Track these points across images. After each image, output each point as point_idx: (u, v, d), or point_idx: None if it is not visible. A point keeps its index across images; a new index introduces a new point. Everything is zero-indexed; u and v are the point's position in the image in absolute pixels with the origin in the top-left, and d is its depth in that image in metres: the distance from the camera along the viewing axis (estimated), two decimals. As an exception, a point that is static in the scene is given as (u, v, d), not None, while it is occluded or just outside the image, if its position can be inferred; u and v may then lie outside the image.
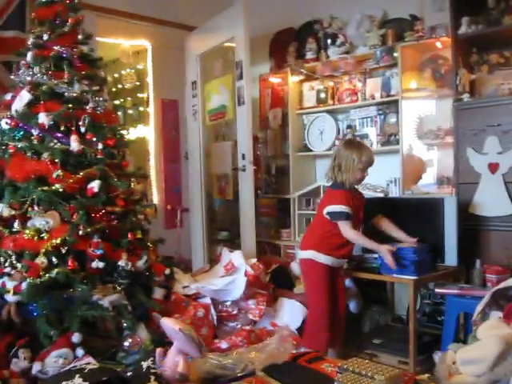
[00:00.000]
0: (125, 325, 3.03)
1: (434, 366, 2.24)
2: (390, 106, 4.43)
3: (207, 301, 3.82)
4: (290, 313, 3.86)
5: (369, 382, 1.79)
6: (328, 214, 3.42)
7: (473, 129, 3.65)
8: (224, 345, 3.45)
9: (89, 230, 3.07)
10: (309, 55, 4.90)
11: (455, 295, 3.37)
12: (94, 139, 3.28)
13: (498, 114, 3.55)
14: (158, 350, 2.24)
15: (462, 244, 3.57)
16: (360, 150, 3.44)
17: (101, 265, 3.05)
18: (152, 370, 2.11)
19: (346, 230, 3.38)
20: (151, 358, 2.19)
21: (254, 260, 4.15)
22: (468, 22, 3.68)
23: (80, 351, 2.81)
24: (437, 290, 3.54)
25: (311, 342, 3.36)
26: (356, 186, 3.59)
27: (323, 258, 3.42)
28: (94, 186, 3.16)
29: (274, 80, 5.23)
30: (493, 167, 3.57)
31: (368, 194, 4.37)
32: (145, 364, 2.15)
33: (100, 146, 3.28)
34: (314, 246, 3.46)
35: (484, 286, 3.34)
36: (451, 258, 3.57)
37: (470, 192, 3.67)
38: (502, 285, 2.37)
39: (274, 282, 4.14)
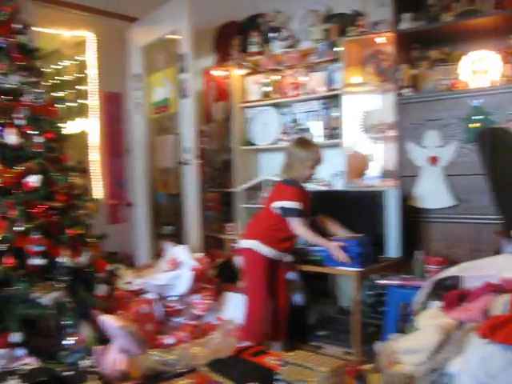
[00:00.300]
0: (66, 323, 2.96)
1: (377, 356, 2.26)
2: (333, 100, 4.46)
3: (151, 296, 3.77)
4: (236, 306, 3.84)
5: (311, 374, 1.79)
6: (280, 209, 3.43)
7: (413, 123, 3.73)
8: (169, 340, 3.42)
9: (28, 226, 2.99)
10: (253, 49, 4.89)
11: (396, 286, 3.44)
12: (33, 132, 3.19)
13: (437, 108, 3.63)
14: (98, 348, 2.19)
15: (404, 236, 3.65)
16: (309, 149, 3.50)
17: (41, 262, 2.97)
18: (92, 369, 2.06)
19: (298, 226, 3.41)
20: (91, 357, 2.14)
21: (199, 254, 4.12)
22: (409, 18, 3.75)
23: (20, 351, 2.74)
24: (379, 282, 3.60)
25: (247, 335, 3.37)
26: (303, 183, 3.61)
27: (265, 250, 3.43)
28: (33, 180, 3.08)
29: (218, 73, 5.20)
30: (432, 160, 3.66)
31: (312, 187, 4.40)
32: (85, 363, 2.10)
33: (39, 139, 3.19)
34: (257, 237, 3.46)
35: (424, 277, 3.41)
36: (393, 249, 3.64)
37: (411, 184, 3.75)
38: (441, 275, 2.42)
39: (220, 276, 4.14)
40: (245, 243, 3.53)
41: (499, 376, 1.34)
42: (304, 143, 3.58)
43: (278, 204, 3.44)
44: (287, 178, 3.52)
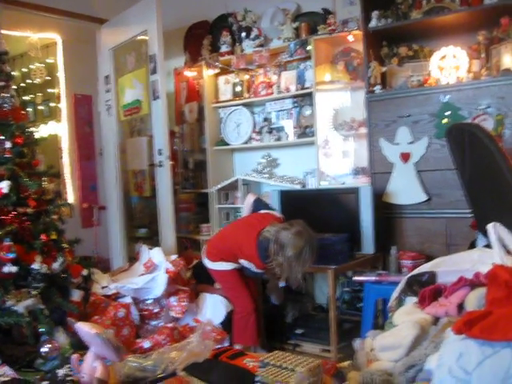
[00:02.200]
0: (42, 330, 2.92)
1: (355, 353, 2.28)
2: (304, 98, 4.48)
3: (128, 300, 3.74)
4: (213, 308, 3.84)
5: (290, 374, 1.79)
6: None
7: (385, 120, 3.76)
8: (147, 344, 3.40)
9: (-1, 232, 2.93)
10: (223, 48, 4.87)
11: (372, 282, 3.47)
12: (1, 137, 3.14)
13: (408, 105, 3.66)
14: (74, 356, 2.16)
15: (379, 232, 3.68)
16: (299, 256, 3.12)
17: (14, 269, 2.93)
18: (69, 378, 2.03)
19: None
20: (68, 365, 2.11)
21: (175, 256, 4.10)
22: (378, 16, 3.77)
23: (-6, 360, 2.69)
24: (355, 278, 3.63)
25: (244, 339, 3.46)
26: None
27: (230, 266, 3.45)
28: (3, 186, 3.03)
29: (189, 74, 5.17)
30: (404, 157, 3.69)
31: (286, 186, 4.41)
32: (62, 371, 2.07)
33: (8, 144, 3.15)
34: (221, 258, 3.47)
35: (400, 272, 3.45)
36: (368, 246, 3.67)
37: (384, 181, 3.78)
38: (416, 271, 2.44)
39: (196, 277, 4.12)
40: (210, 265, 3.56)
41: (475, 371, 1.35)
42: (300, 247, 3.12)
43: (243, 261, 3.37)
44: (261, 246, 3.23)
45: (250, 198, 3.75)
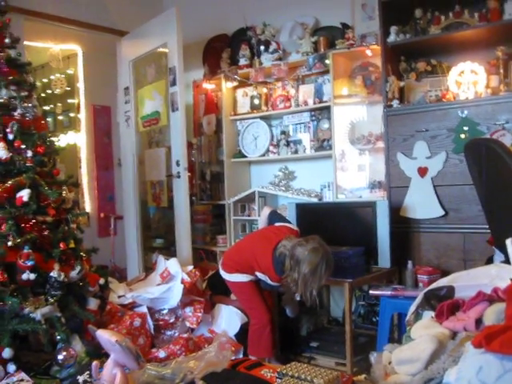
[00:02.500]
0: (58, 337, 2.94)
1: (371, 366, 2.27)
2: (322, 112, 4.50)
3: (143, 310, 3.77)
4: (228, 319, 3.85)
5: (308, 385, 1.80)
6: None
7: (402, 134, 3.77)
8: (162, 354, 3.42)
9: (18, 240, 2.96)
10: (242, 61, 4.92)
11: (389, 296, 3.45)
12: (23, 146, 3.18)
13: (426, 119, 3.67)
14: (95, 363, 2.18)
15: (395, 246, 3.67)
16: (315, 274, 3.11)
17: (32, 276, 2.94)
18: (88, 384, 2.06)
19: None
20: (87, 372, 2.13)
21: (191, 267, 4.12)
22: (396, 31, 3.80)
23: (12, 367, 2.71)
24: (371, 292, 3.62)
25: (258, 351, 3.47)
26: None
27: (247, 278, 3.47)
28: (24, 194, 3.05)
29: (208, 86, 5.22)
30: (422, 171, 3.69)
31: (302, 198, 4.43)
32: (81, 378, 2.09)
33: (29, 153, 3.18)
34: (237, 270, 3.49)
35: (416, 287, 3.44)
36: (384, 260, 3.66)
37: (401, 195, 3.78)
38: (433, 285, 2.43)
39: (211, 288, 4.13)
40: (228, 277, 3.58)
41: (495, 385, 1.36)
42: (316, 264, 3.11)
43: (259, 274, 3.40)
44: (277, 260, 3.25)
45: (266, 211, 3.77)
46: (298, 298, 3.44)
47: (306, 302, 3.29)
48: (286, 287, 3.38)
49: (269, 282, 3.33)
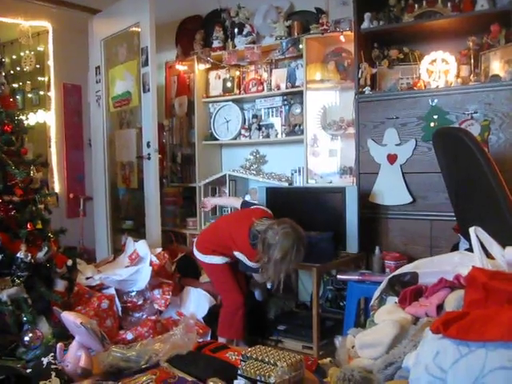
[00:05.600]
0: (25, 319, 2.92)
1: (336, 350, 2.30)
2: (294, 96, 4.50)
3: (111, 292, 3.75)
4: (196, 302, 3.86)
5: (271, 368, 1.82)
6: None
7: (373, 121, 3.79)
8: (129, 336, 3.41)
9: (-16, 220, 2.93)
10: (215, 44, 4.88)
11: (356, 281, 3.50)
12: (-10, 125, 3.12)
13: (396, 107, 3.70)
14: (59, 345, 2.17)
15: (363, 232, 3.72)
16: (286, 257, 3.10)
17: (-2, 257, 2.91)
18: (53, 366, 2.04)
19: None
20: (52, 354, 2.12)
21: (160, 249, 4.11)
22: (370, 18, 3.81)
23: (-24, 348, 2.68)
24: (339, 277, 3.66)
25: (229, 332, 3.49)
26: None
27: (222, 260, 3.47)
28: (-10, 174, 3.01)
29: (181, 67, 5.18)
30: (391, 158, 3.73)
31: (273, 183, 4.44)
32: (45, 360, 2.07)
33: (-4, 131, 3.13)
34: (213, 251, 3.49)
35: (383, 272, 3.49)
36: (353, 245, 3.70)
37: (370, 182, 3.81)
38: (398, 271, 2.47)
39: (180, 271, 4.13)
40: (202, 258, 3.58)
41: (451, 369, 1.38)
42: (286, 249, 3.09)
43: (237, 253, 3.38)
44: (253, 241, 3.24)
45: (237, 204, 3.81)
46: (269, 287, 3.47)
47: (272, 286, 3.31)
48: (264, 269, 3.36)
49: (247, 262, 3.33)
